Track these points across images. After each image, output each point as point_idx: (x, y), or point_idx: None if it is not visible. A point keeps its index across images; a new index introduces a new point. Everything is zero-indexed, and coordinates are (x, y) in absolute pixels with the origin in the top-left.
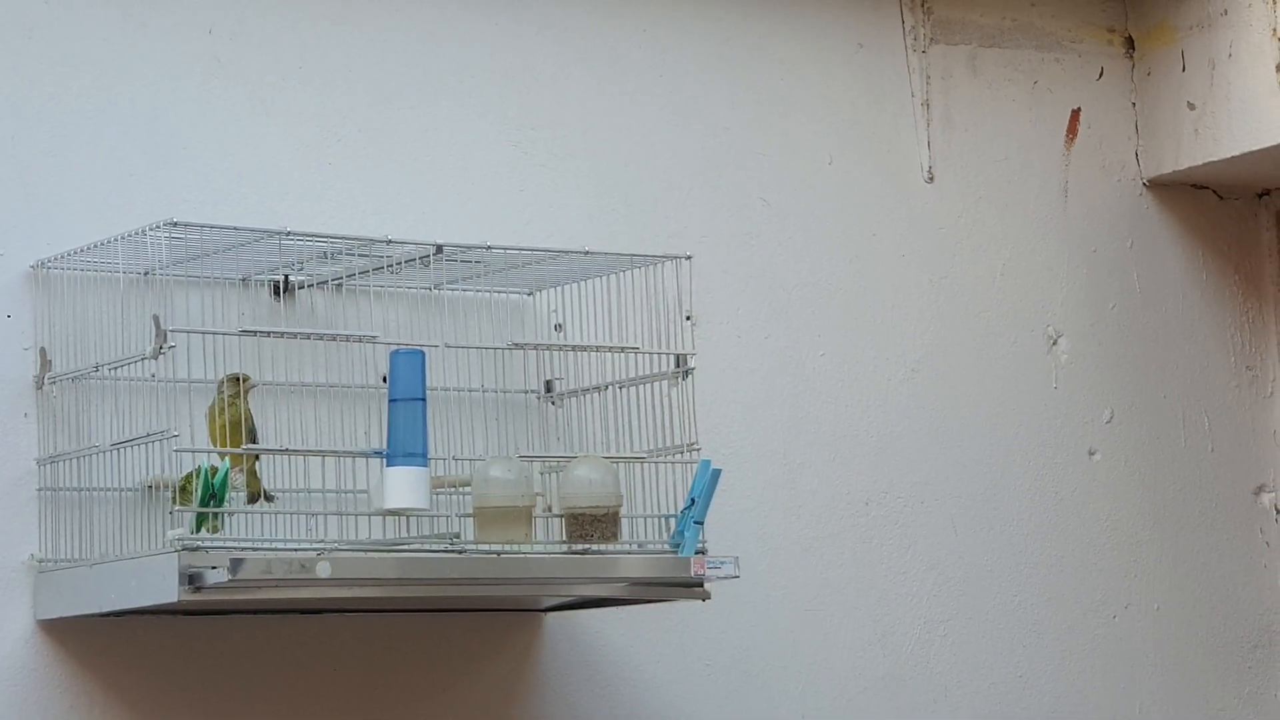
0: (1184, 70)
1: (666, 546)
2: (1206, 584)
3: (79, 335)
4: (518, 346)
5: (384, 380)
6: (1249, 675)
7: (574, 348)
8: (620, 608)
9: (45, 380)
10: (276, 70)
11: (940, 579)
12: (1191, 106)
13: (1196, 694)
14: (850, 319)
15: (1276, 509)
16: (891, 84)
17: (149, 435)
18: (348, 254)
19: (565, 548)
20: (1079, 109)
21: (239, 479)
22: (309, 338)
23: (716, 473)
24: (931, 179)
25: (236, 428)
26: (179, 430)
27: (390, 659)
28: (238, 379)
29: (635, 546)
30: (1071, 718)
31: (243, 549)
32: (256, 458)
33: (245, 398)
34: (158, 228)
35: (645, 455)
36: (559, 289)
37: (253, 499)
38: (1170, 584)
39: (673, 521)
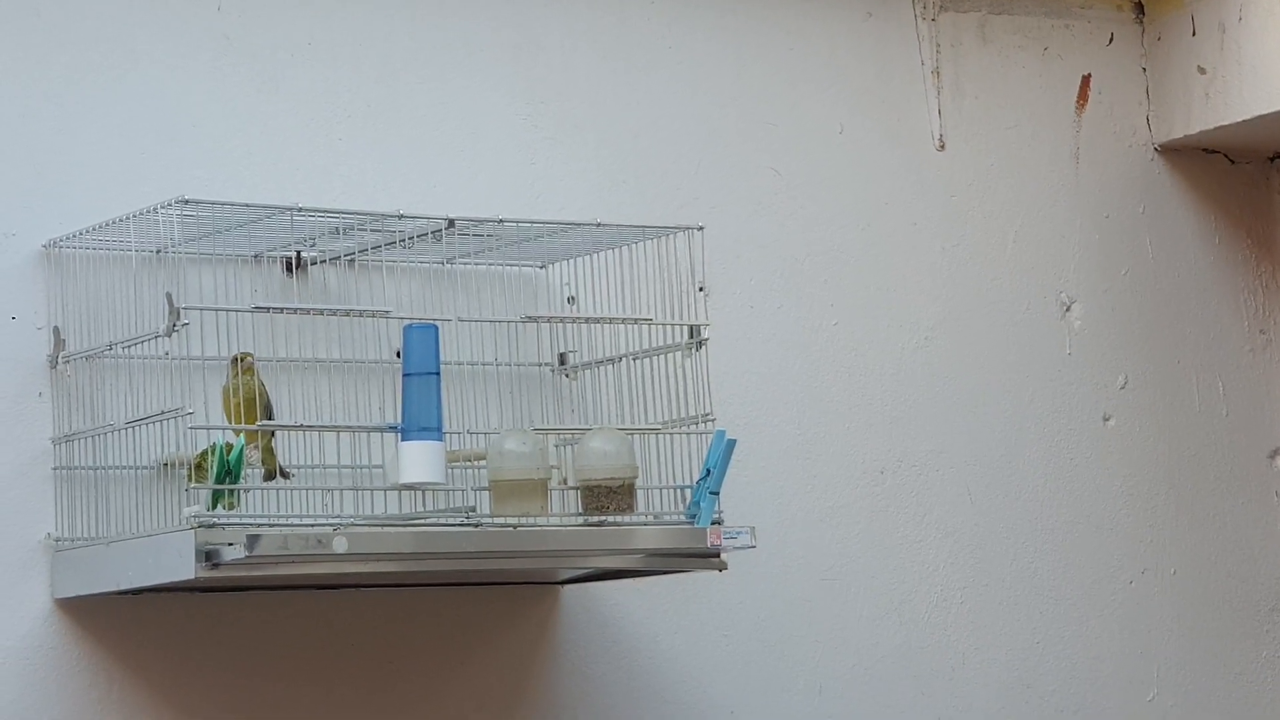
0: (1194, 34)
1: (682, 517)
2: (1223, 548)
3: (92, 314)
4: (531, 320)
5: (397, 355)
6: (1266, 638)
7: (587, 320)
8: (636, 579)
9: (59, 359)
10: (286, 47)
11: (956, 546)
12: (1202, 71)
13: (1214, 657)
14: (862, 288)
15: None
16: (901, 52)
17: (163, 413)
18: (359, 229)
19: (581, 520)
20: (1089, 75)
21: (254, 455)
22: (322, 313)
23: (732, 443)
24: (942, 147)
25: (251, 405)
26: (193, 407)
27: (407, 633)
28: (236, 359)
29: (651, 518)
30: (1089, 684)
31: (259, 525)
32: (272, 434)
33: (257, 375)
34: (169, 205)
35: (660, 426)
36: (571, 262)
37: (269, 476)
38: (1187, 548)
39: (688, 492)
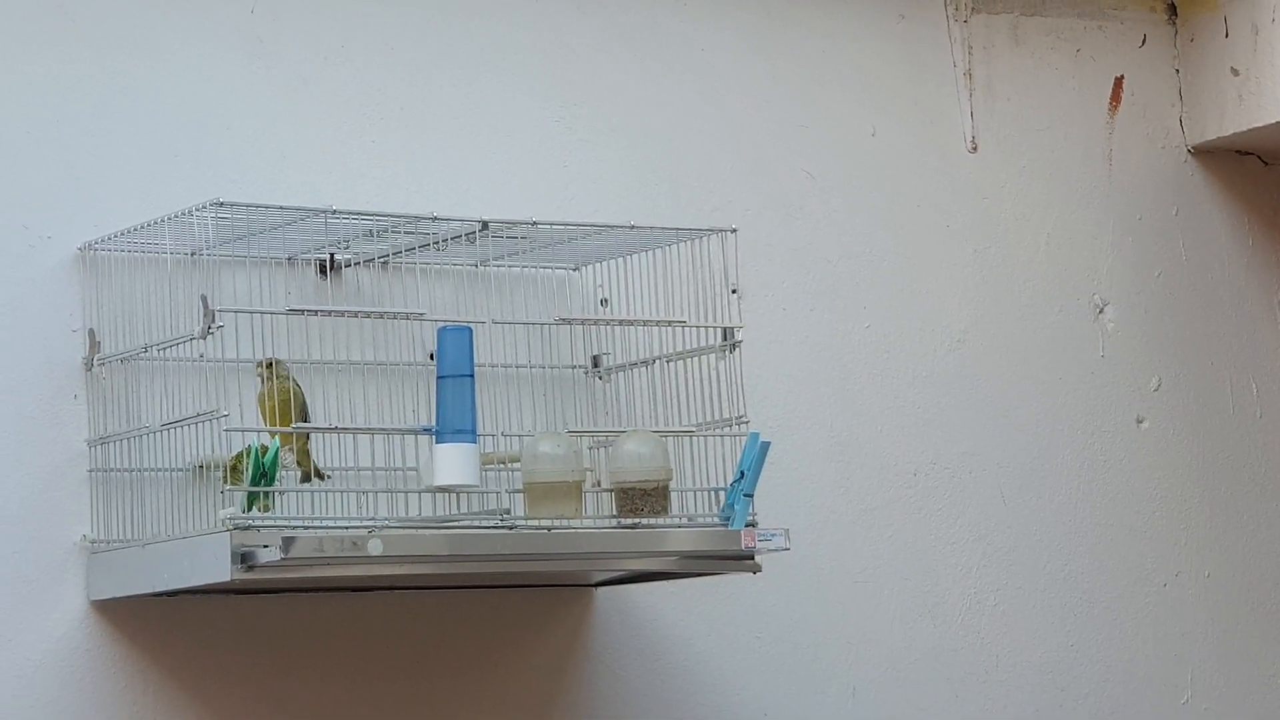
0: (1227, 36)
1: (716, 520)
2: (1257, 550)
3: (127, 316)
4: (565, 321)
5: (431, 357)
6: None
7: (621, 322)
8: (669, 581)
9: (94, 362)
10: (319, 49)
11: (989, 549)
12: (1235, 72)
13: (1248, 661)
14: (895, 290)
15: None
16: (933, 54)
17: (199, 415)
18: (393, 231)
19: (615, 522)
20: (1122, 76)
21: (289, 458)
22: (356, 316)
23: (765, 445)
24: (975, 149)
25: (287, 407)
26: (228, 410)
27: (440, 635)
28: (268, 364)
29: (685, 520)
30: (1122, 686)
31: (294, 528)
32: (308, 437)
33: (293, 378)
34: (204, 208)
35: (694, 429)
36: (604, 264)
37: (306, 478)
38: (1220, 551)
39: (722, 495)
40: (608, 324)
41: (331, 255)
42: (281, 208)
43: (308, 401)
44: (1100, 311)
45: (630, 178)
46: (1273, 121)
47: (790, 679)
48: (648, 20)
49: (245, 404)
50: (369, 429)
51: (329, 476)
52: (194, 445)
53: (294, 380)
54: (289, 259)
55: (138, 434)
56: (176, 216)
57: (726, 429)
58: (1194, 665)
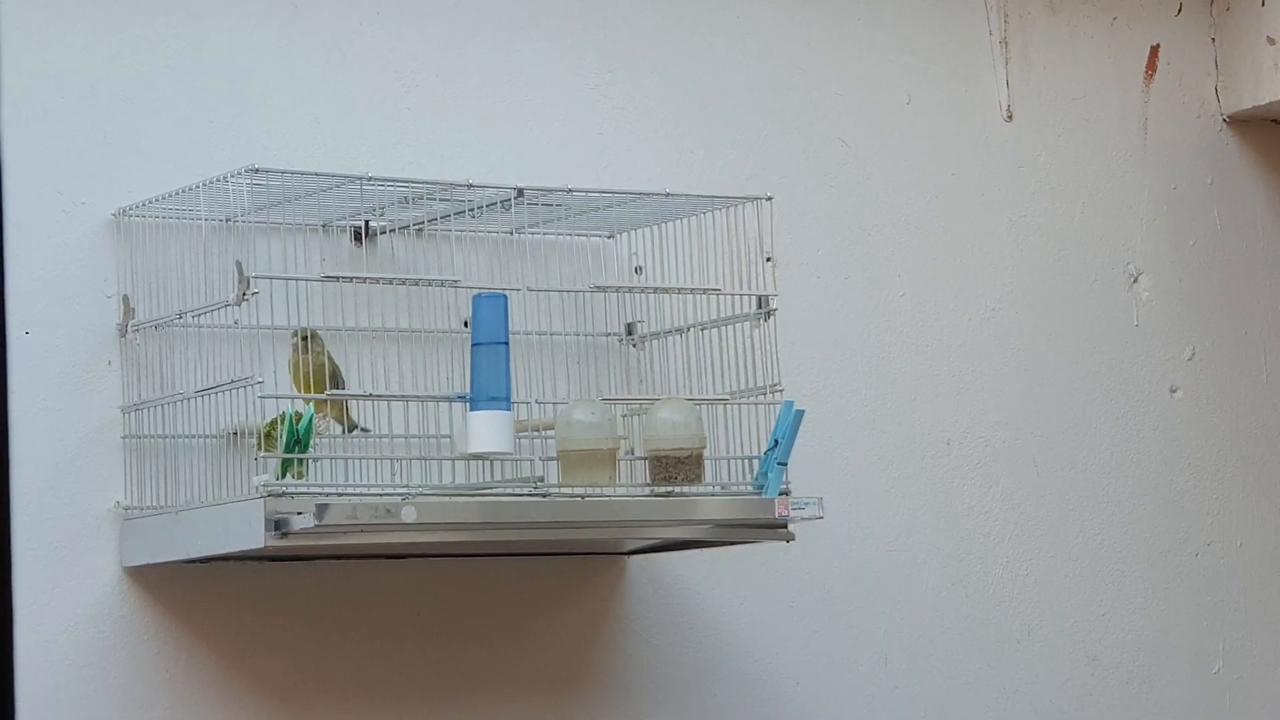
0: (1263, 4)
1: (750, 488)
2: None
3: (161, 283)
4: (600, 289)
5: (465, 325)
6: None
7: (656, 290)
8: (701, 550)
9: (128, 328)
10: (354, 16)
11: (1022, 518)
12: (1271, 41)
13: None
14: (930, 259)
15: None
16: (969, 22)
17: (233, 382)
18: (428, 198)
19: (649, 490)
20: (1158, 45)
21: (323, 425)
22: (391, 283)
23: (800, 414)
24: (1010, 117)
25: (321, 375)
26: (262, 376)
27: (474, 603)
28: (297, 333)
29: (719, 488)
30: (1155, 655)
31: (328, 494)
32: (346, 403)
33: (327, 348)
34: (239, 174)
35: (728, 397)
36: (638, 231)
37: (348, 430)
38: (1253, 520)
39: (756, 463)
40: (642, 292)
41: (366, 222)
42: (316, 174)
43: (341, 369)
44: (1135, 281)
45: (665, 145)
46: None
47: (822, 648)
48: None
49: (279, 371)
50: (403, 396)
51: (368, 430)
52: (228, 412)
53: (329, 354)
54: (323, 226)
55: (172, 400)
56: (211, 183)
57: (761, 397)
58: (1226, 635)
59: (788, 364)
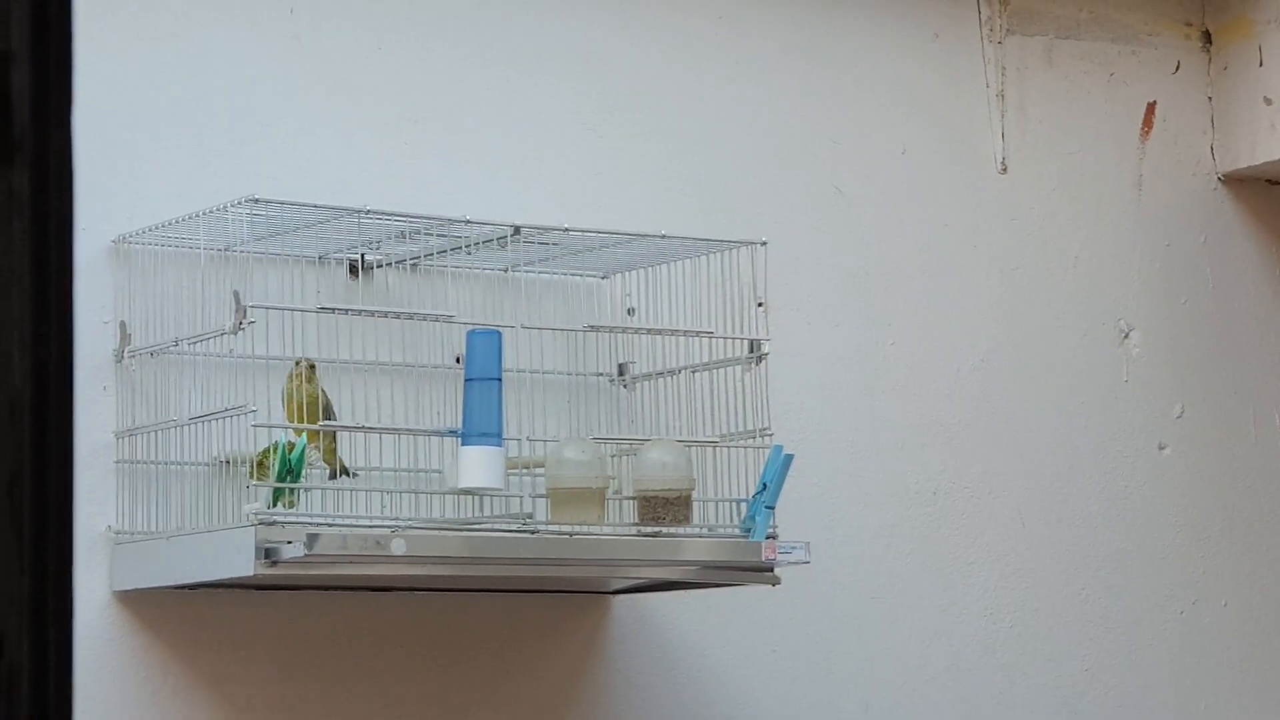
0: (1261, 65)
1: (737, 531)
2: (1276, 580)
3: (158, 310)
4: (593, 329)
5: (457, 361)
6: None
7: (649, 331)
8: (686, 592)
9: (124, 354)
10: (355, 50)
11: (1007, 570)
12: (1268, 101)
13: (1264, 691)
14: (921, 309)
15: None
16: (966, 74)
17: (227, 410)
18: (425, 233)
19: (636, 530)
20: (1154, 102)
21: (315, 455)
22: (386, 316)
23: (789, 458)
24: (1005, 170)
25: (314, 406)
26: (256, 405)
27: (459, 638)
28: (299, 362)
29: (706, 530)
30: (1138, 712)
31: (318, 525)
32: (335, 436)
33: (319, 381)
34: (238, 204)
35: (718, 439)
36: (632, 273)
37: (334, 476)
38: (1239, 580)
39: (744, 506)
40: (635, 333)
41: (362, 255)
42: (314, 206)
43: (333, 401)
44: (1125, 336)
45: (661, 187)
46: None
47: (805, 693)
48: (683, 30)
49: (273, 400)
50: (395, 429)
51: (357, 475)
52: (221, 440)
53: (321, 387)
54: (320, 258)
55: (165, 427)
56: (211, 212)
57: (750, 441)
58: (1210, 693)
59: (778, 408)
